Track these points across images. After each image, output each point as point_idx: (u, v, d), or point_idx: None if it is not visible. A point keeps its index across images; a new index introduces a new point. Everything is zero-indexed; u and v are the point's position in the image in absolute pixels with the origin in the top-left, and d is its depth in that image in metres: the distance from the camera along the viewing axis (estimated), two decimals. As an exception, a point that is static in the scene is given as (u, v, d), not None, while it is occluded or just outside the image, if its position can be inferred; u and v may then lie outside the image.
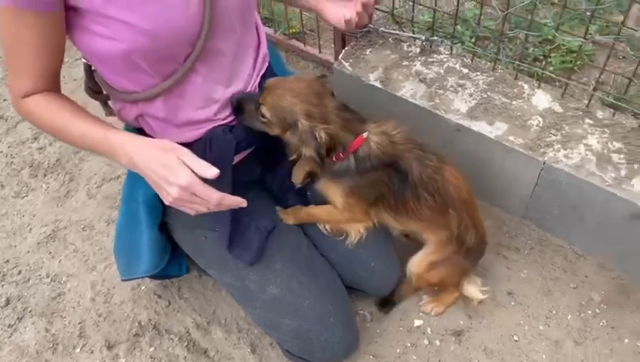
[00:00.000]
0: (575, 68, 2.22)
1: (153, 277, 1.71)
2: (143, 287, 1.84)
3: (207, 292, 1.82)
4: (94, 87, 1.36)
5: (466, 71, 1.91)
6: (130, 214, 1.48)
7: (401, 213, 1.47)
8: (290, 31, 2.44)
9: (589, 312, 1.70)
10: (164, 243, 1.55)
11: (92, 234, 2.02)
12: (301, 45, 2.38)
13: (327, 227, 1.56)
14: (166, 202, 1.10)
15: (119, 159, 1.12)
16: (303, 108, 1.27)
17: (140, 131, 1.37)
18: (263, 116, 1.30)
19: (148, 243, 1.49)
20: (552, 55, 2.20)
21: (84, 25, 1.09)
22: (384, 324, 1.72)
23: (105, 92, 1.36)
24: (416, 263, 1.59)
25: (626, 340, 1.64)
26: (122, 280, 1.62)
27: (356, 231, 1.53)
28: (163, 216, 1.49)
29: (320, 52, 2.34)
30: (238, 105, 1.32)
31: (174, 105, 1.25)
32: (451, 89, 1.85)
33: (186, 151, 1.05)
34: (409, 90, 1.86)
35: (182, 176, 1.03)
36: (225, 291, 1.77)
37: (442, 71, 1.91)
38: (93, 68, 1.32)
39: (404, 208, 1.45)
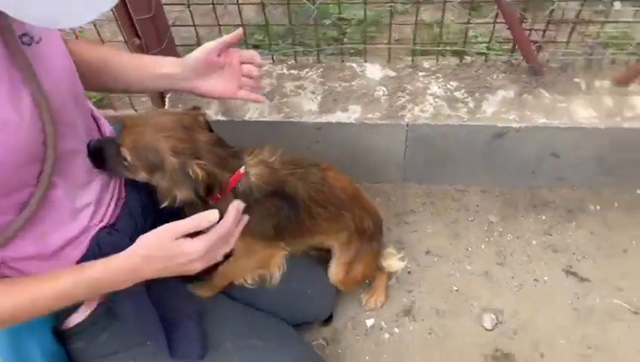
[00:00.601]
0: (375, 35, 2.38)
1: None
2: None
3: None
4: None
5: (295, 72, 1.90)
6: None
7: (299, 235, 1.41)
8: (91, 102, 2.17)
9: (495, 234, 1.85)
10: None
11: None
12: (112, 111, 2.13)
13: (248, 279, 1.42)
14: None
15: (114, 289, 1.01)
16: (168, 144, 1.09)
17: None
18: (125, 159, 1.10)
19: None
20: (351, 29, 2.33)
21: None
22: (342, 342, 1.64)
23: None
24: (334, 272, 1.55)
25: (534, 241, 1.82)
26: None
27: (275, 266, 1.41)
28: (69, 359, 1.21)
29: (136, 110, 2.13)
30: (96, 152, 1.10)
31: (40, 234, 0.99)
32: (292, 94, 1.83)
33: (169, 226, 0.98)
34: (255, 111, 1.78)
35: (194, 251, 0.98)
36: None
37: (274, 80, 1.88)
38: None
39: (301, 229, 1.39)
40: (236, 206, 1.07)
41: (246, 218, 1.14)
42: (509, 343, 1.60)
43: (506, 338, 1.61)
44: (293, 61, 1.93)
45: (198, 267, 1.02)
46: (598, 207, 1.87)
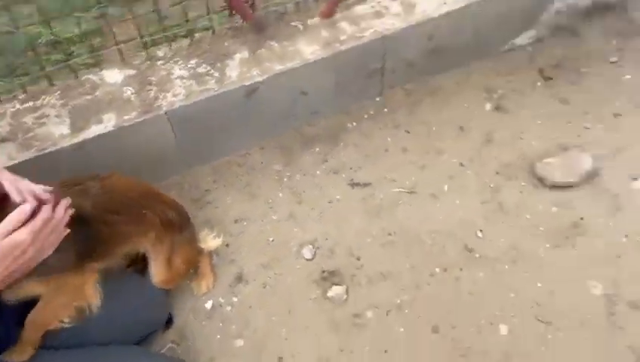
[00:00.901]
0: (103, 43, 2.31)
1: None
2: None
3: None
4: None
5: (31, 103, 1.78)
6: None
7: (105, 250, 1.37)
8: None
9: (285, 179, 2.02)
10: None
11: None
12: None
13: (64, 319, 1.33)
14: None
15: None
16: None
17: None
18: None
19: None
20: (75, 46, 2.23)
21: None
22: (190, 336, 1.65)
23: None
24: (156, 273, 1.54)
25: (317, 172, 2.03)
26: None
27: (90, 292, 1.35)
28: None
29: None
30: None
31: None
32: (36, 126, 1.71)
33: None
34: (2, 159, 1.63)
35: (20, 238, 1.02)
36: None
37: (11, 120, 1.73)
38: None
39: (105, 243, 1.35)
40: (42, 192, 1.11)
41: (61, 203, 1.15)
42: (330, 262, 1.80)
43: (326, 259, 1.80)
44: (23, 95, 1.80)
45: (31, 252, 1.06)
46: (354, 124, 2.17)
